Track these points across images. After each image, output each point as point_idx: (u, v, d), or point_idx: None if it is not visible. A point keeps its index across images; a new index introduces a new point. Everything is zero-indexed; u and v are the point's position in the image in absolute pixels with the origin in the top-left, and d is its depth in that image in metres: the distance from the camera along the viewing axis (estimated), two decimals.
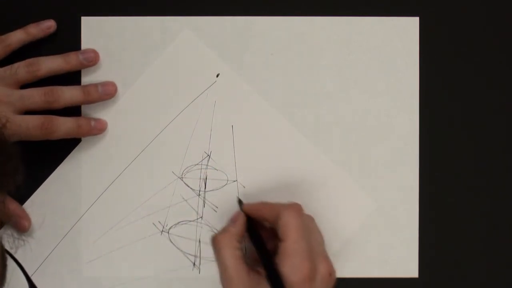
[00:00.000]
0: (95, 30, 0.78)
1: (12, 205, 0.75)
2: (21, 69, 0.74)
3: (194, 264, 0.78)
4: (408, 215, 0.78)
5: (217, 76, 0.78)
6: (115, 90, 0.77)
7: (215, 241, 0.70)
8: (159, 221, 0.78)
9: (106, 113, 0.78)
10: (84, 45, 0.78)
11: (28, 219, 0.76)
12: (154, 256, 0.78)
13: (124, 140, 0.78)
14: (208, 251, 0.76)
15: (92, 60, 0.77)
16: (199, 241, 0.78)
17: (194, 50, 0.78)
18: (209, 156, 0.78)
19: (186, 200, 0.78)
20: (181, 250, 0.78)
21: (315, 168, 0.78)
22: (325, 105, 0.79)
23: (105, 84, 0.77)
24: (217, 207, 0.78)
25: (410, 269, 0.78)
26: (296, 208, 0.71)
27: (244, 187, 0.78)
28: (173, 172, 0.78)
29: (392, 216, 0.78)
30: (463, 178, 0.79)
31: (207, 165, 0.78)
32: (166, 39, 0.78)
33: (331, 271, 0.70)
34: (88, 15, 0.78)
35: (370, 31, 0.79)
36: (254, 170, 0.78)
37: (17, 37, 0.75)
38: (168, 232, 0.78)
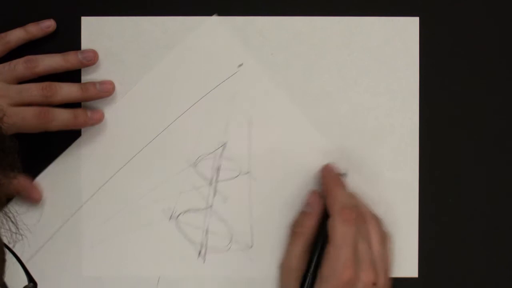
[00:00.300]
0: (95, 30, 0.78)
1: (22, 179, 0.75)
2: (20, 65, 0.74)
3: (199, 253, 0.78)
4: (408, 215, 0.78)
5: (239, 66, 0.78)
6: (113, 89, 0.77)
7: (294, 234, 0.75)
8: (168, 208, 0.78)
9: (124, 98, 0.77)
10: (84, 45, 0.78)
11: (39, 191, 0.76)
12: (159, 243, 0.78)
13: (140, 125, 0.78)
14: (215, 241, 0.77)
15: (91, 59, 0.77)
16: (207, 231, 0.78)
17: (218, 38, 0.78)
18: (224, 146, 0.78)
19: (197, 189, 0.78)
20: (188, 239, 0.78)
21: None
22: (325, 105, 0.79)
23: (103, 82, 0.77)
24: (227, 198, 0.78)
25: (410, 269, 0.78)
26: (345, 216, 0.71)
27: (255, 179, 0.78)
28: (186, 160, 0.78)
29: (392, 216, 0.78)
30: (463, 178, 0.79)
31: (221, 155, 0.78)
32: (166, 39, 0.78)
33: (375, 280, 0.70)
34: (88, 15, 0.78)
35: (370, 31, 0.79)
36: (267, 164, 0.78)
37: (16, 35, 0.76)
38: (176, 219, 0.78)
